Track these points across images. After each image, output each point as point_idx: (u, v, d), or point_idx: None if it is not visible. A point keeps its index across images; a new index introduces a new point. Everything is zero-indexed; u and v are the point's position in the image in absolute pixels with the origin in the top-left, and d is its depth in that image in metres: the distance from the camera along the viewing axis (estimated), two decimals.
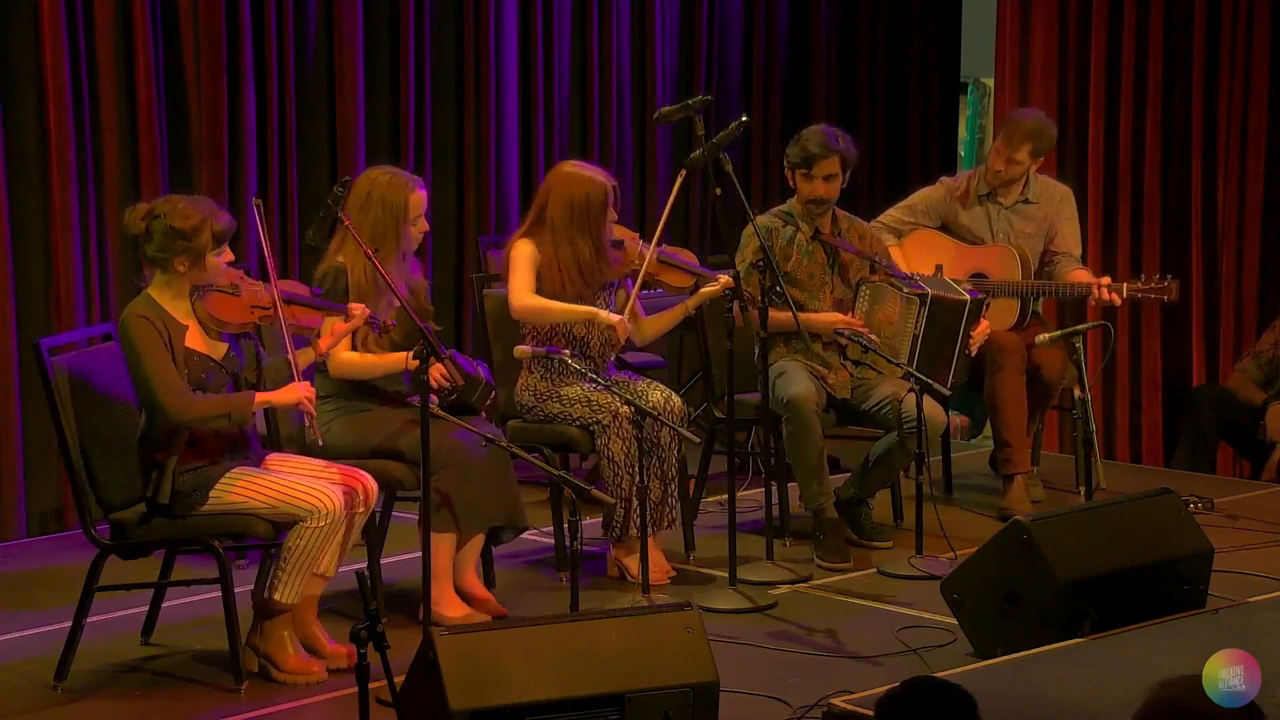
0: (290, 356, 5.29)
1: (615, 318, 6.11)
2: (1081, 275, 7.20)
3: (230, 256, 5.30)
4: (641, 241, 6.27)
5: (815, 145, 6.56)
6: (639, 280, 6.19)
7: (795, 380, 6.43)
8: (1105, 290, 7.05)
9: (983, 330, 6.67)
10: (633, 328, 6.24)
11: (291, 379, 5.30)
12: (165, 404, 5.13)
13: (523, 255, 6.15)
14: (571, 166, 6.30)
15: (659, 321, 6.38)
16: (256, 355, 5.45)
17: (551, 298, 6.12)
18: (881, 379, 6.59)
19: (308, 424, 5.30)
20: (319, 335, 5.51)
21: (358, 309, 5.51)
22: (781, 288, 6.16)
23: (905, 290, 6.58)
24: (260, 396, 5.29)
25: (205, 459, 5.25)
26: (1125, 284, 7.16)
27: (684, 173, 6.22)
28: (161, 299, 5.24)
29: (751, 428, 7.19)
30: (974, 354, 6.68)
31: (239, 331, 5.34)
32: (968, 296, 6.59)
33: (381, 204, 5.79)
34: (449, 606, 5.64)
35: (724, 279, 6.11)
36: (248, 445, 5.39)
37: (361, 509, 5.35)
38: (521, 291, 6.11)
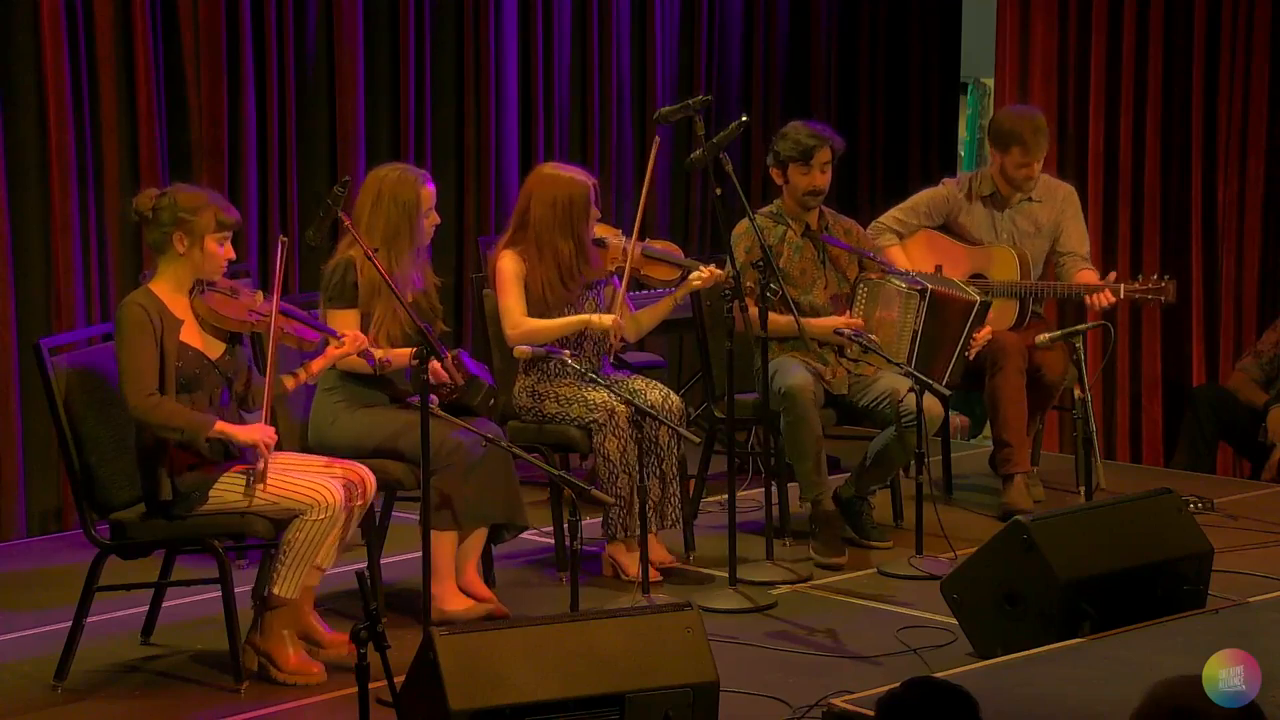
0: (269, 374, 5.25)
1: (608, 319, 6.12)
2: (1087, 276, 7.18)
3: (231, 254, 5.31)
4: (624, 238, 6.26)
5: (808, 136, 6.60)
6: (625, 276, 6.18)
7: (792, 372, 6.43)
8: (1098, 297, 7.03)
9: (985, 335, 6.67)
10: (625, 323, 6.24)
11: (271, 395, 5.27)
12: (128, 395, 5.13)
13: (508, 273, 6.13)
14: (550, 168, 6.30)
15: (650, 314, 6.38)
16: (249, 368, 5.43)
17: (539, 304, 6.13)
18: (880, 374, 6.59)
19: (260, 467, 5.17)
20: (313, 356, 5.49)
21: (350, 335, 5.49)
22: (784, 292, 6.17)
23: (904, 285, 6.58)
24: (220, 425, 5.19)
25: (199, 456, 5.24)
26: (1123, 285, 7.15)
27: (657, 140, 6.18)
28: (161, 292, 5.25)
29: (751, 428, 7.19)
30: (973, 357, 6.68)
31: (237, 330, 5.34)
32: (976, 297, 6.59)
33: (393, 200, 5.79)
34: (450, 601, 5.64)
35: (707, 268, 6.13)
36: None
37: (360, 501, 5.35)
38: (514, 316, 6.11)
